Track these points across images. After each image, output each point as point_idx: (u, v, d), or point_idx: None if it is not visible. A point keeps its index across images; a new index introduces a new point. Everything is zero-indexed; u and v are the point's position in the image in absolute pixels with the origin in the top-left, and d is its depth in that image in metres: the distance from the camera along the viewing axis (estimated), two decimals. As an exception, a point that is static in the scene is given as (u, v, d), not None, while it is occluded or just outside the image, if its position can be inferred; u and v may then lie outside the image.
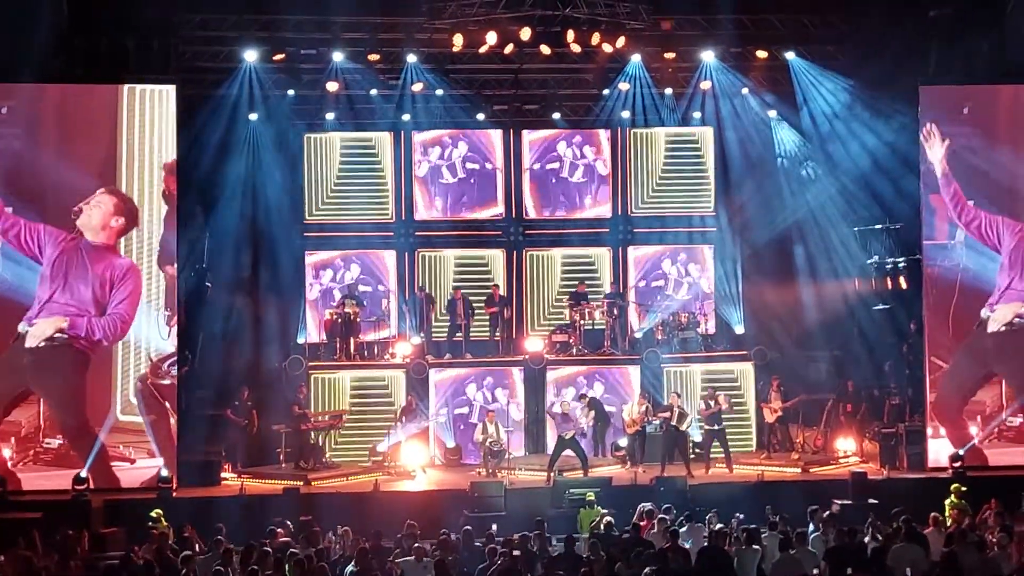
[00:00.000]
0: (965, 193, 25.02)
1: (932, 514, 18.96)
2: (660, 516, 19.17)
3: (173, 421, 24.48)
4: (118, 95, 24.54)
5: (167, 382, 24.53)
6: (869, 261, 27.92)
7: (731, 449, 25.79)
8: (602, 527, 19.40)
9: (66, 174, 24.23)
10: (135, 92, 24.59)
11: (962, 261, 25.21)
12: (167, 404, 24.49)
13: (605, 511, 20.72)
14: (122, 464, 24.21)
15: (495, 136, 29.62)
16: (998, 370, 25.20)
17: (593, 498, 21.65)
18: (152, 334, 24.59)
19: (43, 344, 24.03)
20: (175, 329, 24.65)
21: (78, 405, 24.16)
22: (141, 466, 24.30)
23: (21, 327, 23.99)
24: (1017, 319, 24.97)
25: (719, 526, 18.73)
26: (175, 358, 24.65)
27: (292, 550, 17.18)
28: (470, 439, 26.66)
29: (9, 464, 23.93)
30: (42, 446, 24.32)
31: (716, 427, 25.70)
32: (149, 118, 24.64)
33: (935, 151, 24.98)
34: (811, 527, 18.47)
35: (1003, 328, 24.98)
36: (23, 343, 23.99)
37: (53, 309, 24.11)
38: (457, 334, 28.35)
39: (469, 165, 29.62)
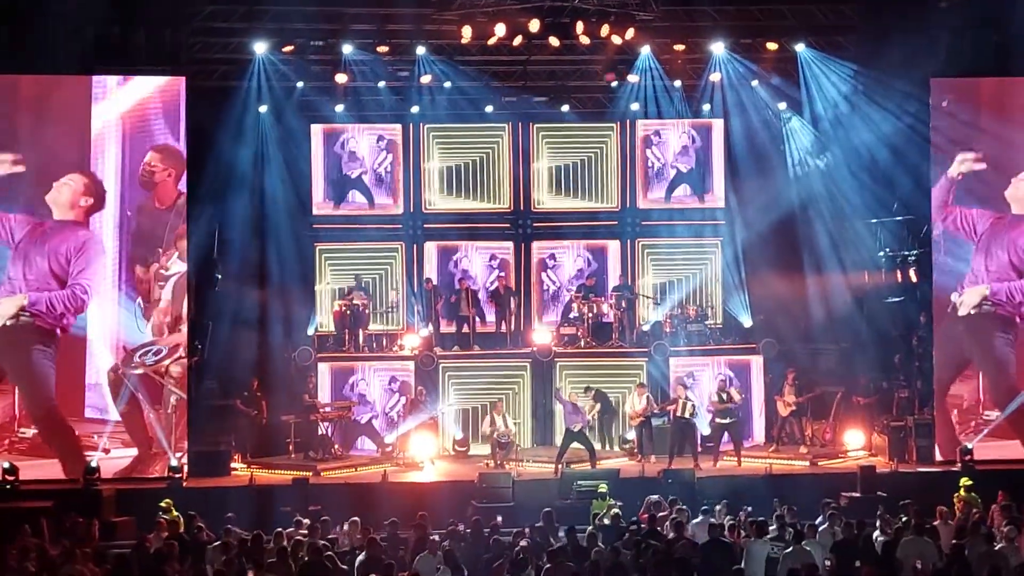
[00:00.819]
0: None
1: (939, 507, 19.00)
2: (667, 508, 19.19)
3: (148, 412, 24.49)
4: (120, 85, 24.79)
5: (139, 371, 24.54)
6: (879, 253, 27.88)
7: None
8: (607, 519, 19.42)
9: (51, 161, 24.54)
10: (145, 82, 24.76)
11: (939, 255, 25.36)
12: (139, 395, 24.50)
13: (613, 503, 20.73)
14: (94, 454, 24.15)
15: (504, 128, 29.56)
16: (969, 355, 25.32)
17: (606, 489, 21.62)
18: (128, 323, 24.68)
19: (8, 323, 24.12)
20: (151, 320, 24.74)
21: (46, 388, 24.18)
22: (116, 455, 24.35)
23: None
24: (985, 303, 25.04)
25: (728, 519, 18.72)
26: (151, 348, 24.64)
27: (299, 538, 17.22)
28: (478, 431, 26.68)
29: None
30: (17, 435, 24.38)
31: (727, 420, 25.67)
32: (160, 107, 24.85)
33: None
34: (820, 519, 18.47)
35: (972, 312, 25.09)
36: None
37: (14, 287, 24.22)
38: (464, 326, 28.36)
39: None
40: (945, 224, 25.29)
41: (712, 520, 18.41)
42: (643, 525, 18.38)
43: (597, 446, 26.24)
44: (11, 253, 24.19)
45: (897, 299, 27.38)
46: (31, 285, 24.20)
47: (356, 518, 18.86)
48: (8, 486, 23.03)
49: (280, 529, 17.87)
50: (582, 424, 25.27)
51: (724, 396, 25.68)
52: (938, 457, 24.86)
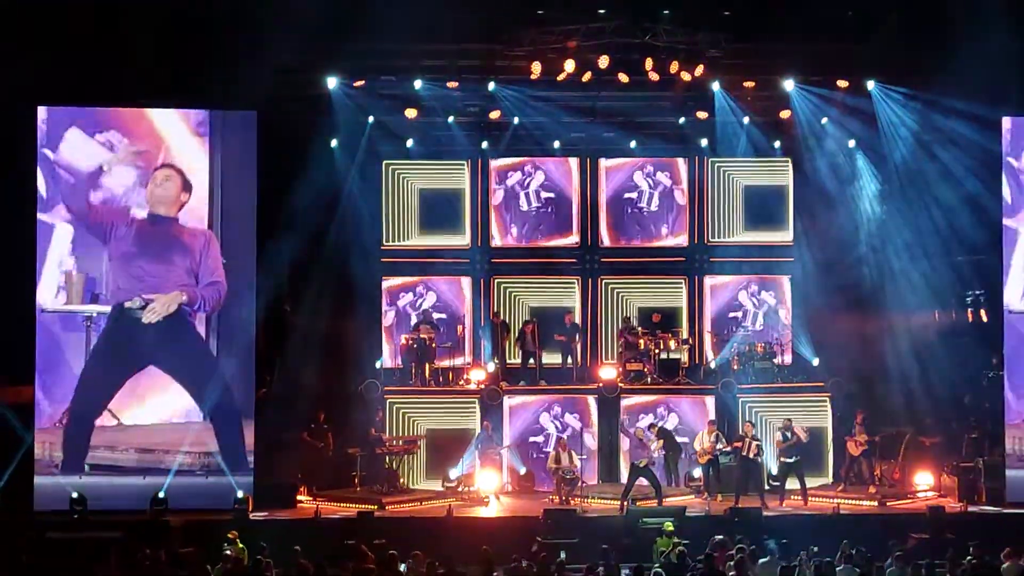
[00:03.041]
0: None
1: (1007, 548, 18.77)
2: (737, 547, 19.04)
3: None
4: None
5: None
6: (949, 294, 27.65)
7: (807, 481, 25.61)
8: (673, 557, 19.31)
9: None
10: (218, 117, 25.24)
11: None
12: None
13: (678, 541, 20.61)
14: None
15: (572, 164, 29.66)
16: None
17: (672, 528, 21.49)
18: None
19: (163, 320, 24.81)
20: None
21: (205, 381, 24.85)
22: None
23: (131, 303, 24.68)
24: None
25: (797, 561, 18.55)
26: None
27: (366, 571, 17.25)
28: (543, 466, 26.64)
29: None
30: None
31: (792, 459, 25.49)
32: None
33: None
34: (889, 560, 18.29)
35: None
36: (131, 319, 24.66)
37: (161, 285, 24.83)
38: (530, 361, 28.37)
39: (544, 194, 29.68)
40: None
41: (783, 562, 18.23)
42: (714, 565, 18.29)
43: (663, 484, 26.14)
44: (131, 249, 24.86)
45: (966, 339, 27.13)
46: (179, 283, 24.91)
47: (418, 552, 18.84)
48: (76, 516, 23.23)
49: (345, 562, 17.91)
50: (647, 459, 25.18)
51: (789, 435, 25.50)
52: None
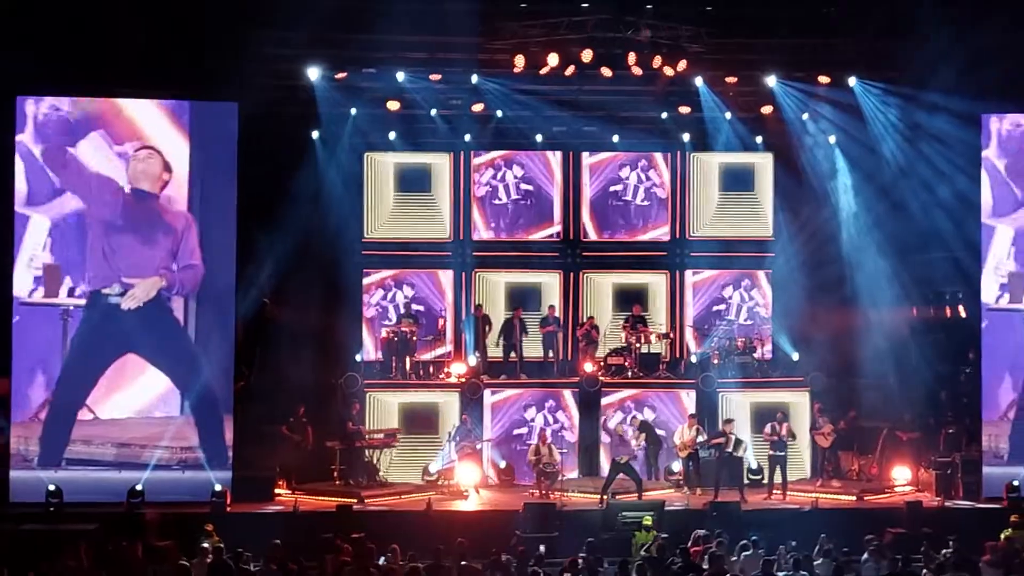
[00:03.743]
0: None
1: (988, 543, 18.83)
2: (716, 542, 19.08)
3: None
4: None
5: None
6: (927, 289, 27.73)
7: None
8: (654, 550, 19.33)
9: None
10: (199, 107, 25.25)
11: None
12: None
13: (659, 535, 20.62)
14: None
15: (553, 158, 29.67)
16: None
17: (650, 522, 21.52)
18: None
19: (143, 306, 24.79)
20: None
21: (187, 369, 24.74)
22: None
23: (109, 290, 24.62)
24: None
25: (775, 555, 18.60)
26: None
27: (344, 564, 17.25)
28: (524, 460, 26.66)
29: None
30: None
31: (779, 453, 25.55)
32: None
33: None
34: (865, 555, 18.34)
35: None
36: (109, 307, 24.57)
37: (141, 267, 24.83)
38: (512, 354, 28.37)
39: (524, 186, 29.68)
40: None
41: (760, 555, 18.27)
42: (692, 560, 18.35)
43: (643, 477, 26.20)
44: (119, 222, 24.77)
45: (943, 334, 27.21)
46: (159, 269, 24.85)
47: (395, 546, 18.82)
48: (52, 508, 23.17)
49: (323, 556, 17.90)
50: (628, 455, 25.23)
51: (776, 428, 25.58)
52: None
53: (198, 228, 25.11)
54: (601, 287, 29.74)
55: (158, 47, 24.60)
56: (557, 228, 29.68)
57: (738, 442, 25.49)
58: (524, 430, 27.89)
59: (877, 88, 26.70)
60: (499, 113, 28.00)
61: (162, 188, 25.08)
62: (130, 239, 24.83)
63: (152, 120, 25.16)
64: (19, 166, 24.66)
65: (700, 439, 25.67)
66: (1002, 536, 19.89)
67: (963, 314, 26.72)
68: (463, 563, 17.39)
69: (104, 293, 24.62)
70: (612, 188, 29.84)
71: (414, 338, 27.92)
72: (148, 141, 25.11)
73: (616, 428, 25.89)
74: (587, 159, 29.76)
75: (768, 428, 25.86)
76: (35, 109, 24.85)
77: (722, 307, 29.67)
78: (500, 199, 29.69)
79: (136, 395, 24.99)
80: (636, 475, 25.19)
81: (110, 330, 24.67)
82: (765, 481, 25.80)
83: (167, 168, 25.11)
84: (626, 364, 28.13)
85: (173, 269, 24.86)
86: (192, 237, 25.03)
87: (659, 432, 27.13)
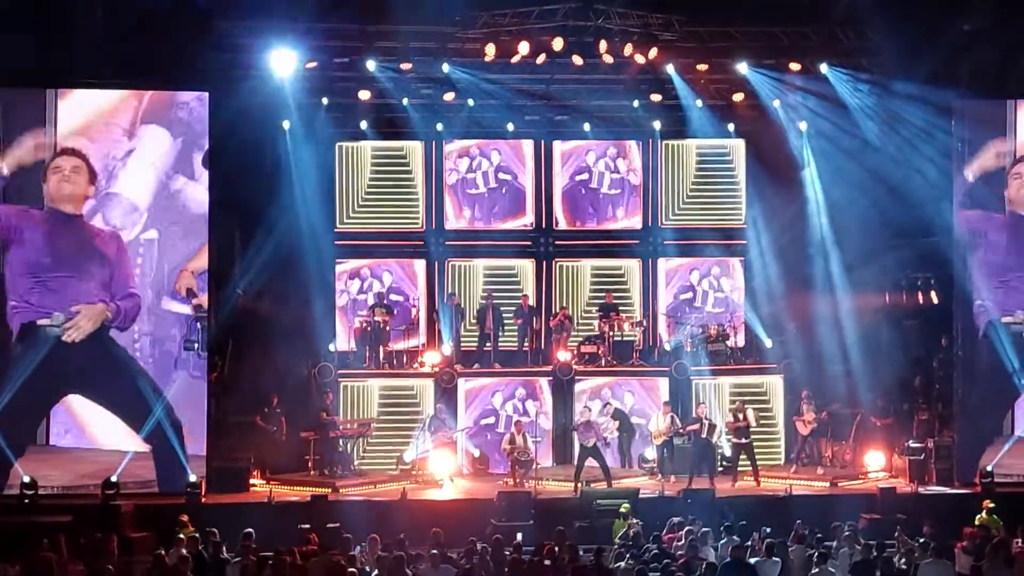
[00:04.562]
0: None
1: (966, 528, 18.93)
2: (687, 528, 19.13)
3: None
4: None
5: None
6: (900, 275, 27.83)
7: (759, 462, 25.80)
8: (628, 538, 19.38)
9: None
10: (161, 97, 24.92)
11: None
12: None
13: (635, 522, 20.66)
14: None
15: (526, 146, 29.66)
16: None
17: (627, 509, 21.52)
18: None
19: (86, 339, 23.97)
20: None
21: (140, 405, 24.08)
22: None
23: (48, 320, 23.75)
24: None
25: (750, 542, 18.66)
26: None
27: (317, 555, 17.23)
28: (497, 449, 26.68)
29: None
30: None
31: (744, 440, 25.68)
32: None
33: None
34: (836, 543, 18.41)
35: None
36: (46, 339, 23.76)
37: (79, 297, 23.89)
38: (486, 344, 28.37)
39: (501, 176, 29.67)
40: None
41: (736, 541, 18.33)
42: (663, 545, 18.41)
43: (616, 465, 26.27)
44: (45, 260, 23.84)
45: (916, 321, 27.33)
46: (102, 296, 24.06)
47: (375, 536, 18.79)
48: (27, 500, 23.06)
49: (298, 546, 17.88)
50: (595, 439, 25.24)
51: (740, 416, 25.69)
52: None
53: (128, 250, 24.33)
54: (574, 275, 29.72)
55: (124, 37, 24.53)
56: (530, 217, 29.65)
57: (712, 426, 25.56)
58: (492, 419, 27.89)
59: (847, 75, 26.73)
60: (470, 102, 27.95)
61: (84, 204, 24.23)
62: (61, 272, 23.82)
63: (117, 112, 24.79)
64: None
65: (677, 427, 25.66)
66: (976, 521, 20.01)
67: (936, 300, 26.81)
68: (434, 552, 17.34)
69: (42, 324, 23.75)
70: (581, 177, 29.81)
71: (387, 328, 27.87)
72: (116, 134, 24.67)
73: (582, 414, 25.81)
74: (558, 147, 29.71)
75: (731, 417, 25.96)
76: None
77: (689, 295, 29.68)
78: (477, 188, 29.63)
79: (89, 427, 24.42)
80: (604, 462, 25.21)
81: (51, 367, 23.58)
82: (731, 467, 25.88)
83: (92, 178, 24.25)
84: (600, 352, 28.15)
85: (111, 298, 24.18)
86: (126, 260, 24.18)
87: (635, 421, 27.15)
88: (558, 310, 28.93)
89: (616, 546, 18.71)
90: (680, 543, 18.44)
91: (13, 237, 23.89)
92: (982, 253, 25.41)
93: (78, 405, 24.24)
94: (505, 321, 28.59)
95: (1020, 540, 18.62)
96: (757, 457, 25.87)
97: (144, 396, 24.16)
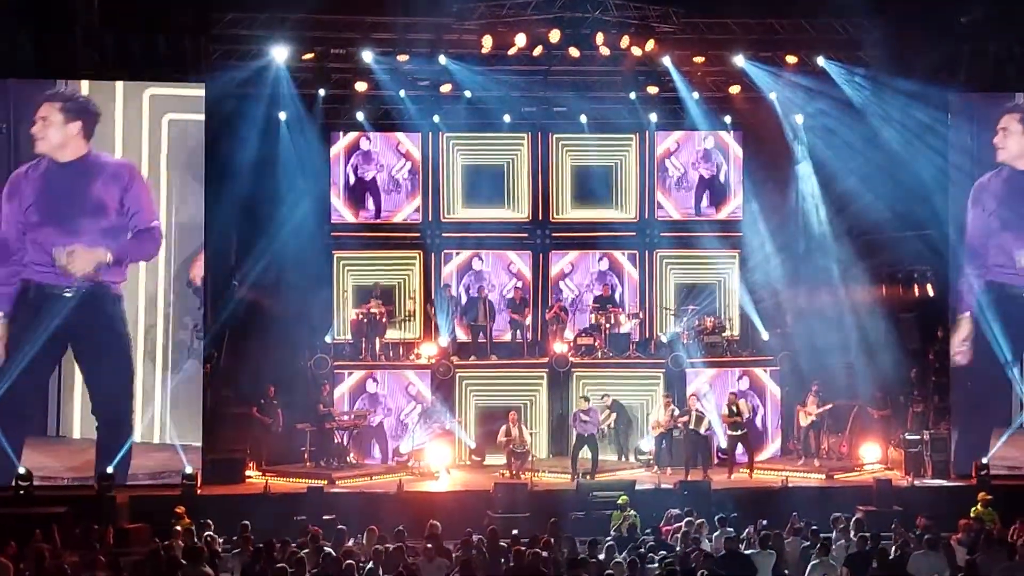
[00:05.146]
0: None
1: (961, 520, 18.96)
2: (687, 520, 19.14)
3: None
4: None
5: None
6: (896, 268, 27.83)
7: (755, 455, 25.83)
8: (624, 530, 19.39)
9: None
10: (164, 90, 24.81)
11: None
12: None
13: (633, 513, 20.65)
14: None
15: (523, 138, 29.57)
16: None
17: (625, 501, 21.48)
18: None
19: (81, 286, 23.78)
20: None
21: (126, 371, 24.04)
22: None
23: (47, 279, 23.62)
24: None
25: (745, 532, 18.68)
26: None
27: (317, 547, 17.20)
28: (494, 440, 26.67)
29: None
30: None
31: (738, 432, 25.69)
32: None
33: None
34: (834, 534, 18.43)
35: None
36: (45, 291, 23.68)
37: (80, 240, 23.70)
38: (481, 336, 28.36)
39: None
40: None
41: (730, 533, 18.35)
42: (661, 537, 18.43)
43: (613, 457, 26.30)
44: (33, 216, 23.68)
45: (912, 313, 27.34)
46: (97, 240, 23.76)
47: (373, 527, 18.78)
48: (22, 491, 23.04)
49: (293, 538, 17.88)
50: (593, 429, 25.25)
51: (734, 409, 25.69)
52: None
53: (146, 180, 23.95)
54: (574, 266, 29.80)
55: (121, 28, 24.51)
56: (526, 208, 29.66)
57: (699, 417, 25.53)
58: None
59: (844, 67, 26.73)
60: (468, 94, 27.94)
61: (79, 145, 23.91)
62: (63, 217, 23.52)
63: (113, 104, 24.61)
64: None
65: (683, 417, 25.60)
66: (972, 514, 20.03)
67: (931, 293, 26.83)
68: (429, 546, 17.34)
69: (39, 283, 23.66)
70: (579, 169, 29.80)
71: (383, 319, 27.85)
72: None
73: (579, 403, 25.81)
74: (555, 138, 29.69)
75: (725, 410, 25.96)
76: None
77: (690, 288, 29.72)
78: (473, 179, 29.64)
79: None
80: (595, 451, 25.19)
81: (50, 320, 23.47)
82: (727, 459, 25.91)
83: (68, 117, 23.88)
84: (596, 344, 28.14)
85: (119, 238, 23.90)
86: (139, 196, 23.79)
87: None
88: (553, 303, 28.91)
89: (611, 538, 18.68)
90: (677, 535, 18.47)
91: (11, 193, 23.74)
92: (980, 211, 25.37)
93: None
94: (499, 314, 28.59)
95: (1017, 531, 18.65)
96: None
97: (120, 380, 24.10)
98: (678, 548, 17.64)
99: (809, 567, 16.49)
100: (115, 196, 24.06)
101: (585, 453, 25.15)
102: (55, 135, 23.97)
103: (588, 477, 24.64)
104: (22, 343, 23.54)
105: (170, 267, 24.75)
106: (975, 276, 25.03)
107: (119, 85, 24.68)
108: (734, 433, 25.72)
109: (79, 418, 24.33)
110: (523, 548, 16.87)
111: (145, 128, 24.73)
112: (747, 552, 17.14)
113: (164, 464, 24.22)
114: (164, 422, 24.51)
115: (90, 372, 24.16)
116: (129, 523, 21.72)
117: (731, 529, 18.68)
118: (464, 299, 29.01)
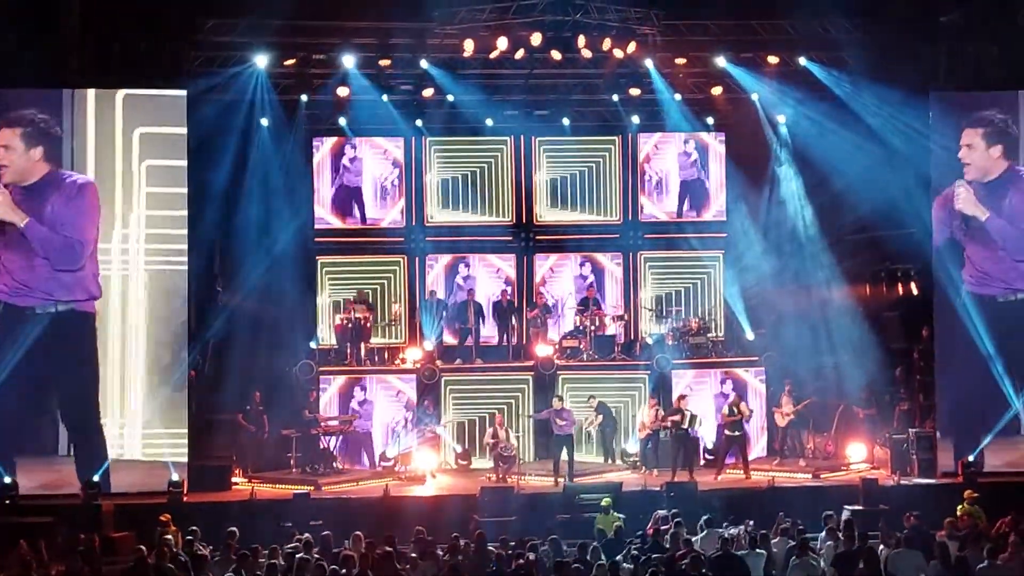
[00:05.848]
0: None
1: (947, 519, 18.99)
2: (674, 522, 19.14)
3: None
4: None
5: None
6: (879, 267, 27.87)
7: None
8: (610, 533, 19.37)
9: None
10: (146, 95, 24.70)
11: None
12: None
13: (618, 516, 20.66)
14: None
15: (506, 142, 29.56)
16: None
17: (609, 503, 21.47)
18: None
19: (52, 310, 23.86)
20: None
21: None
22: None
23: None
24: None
25: (734, 531, 18.68)
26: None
27: (305, 556, 17.16)
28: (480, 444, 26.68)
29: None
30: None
31: (736, 433, 25.66)
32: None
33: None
34: (823, 533, 18.45)
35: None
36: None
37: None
38: (467, 339, 28.34)
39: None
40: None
41: (723, 533, 18.33)
42: (648, 535, 18.43)
43: (599, 459, 26.30)
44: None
45: (896, 312, 27.38)
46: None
47: (359, 532, 18.75)
48: (7, 501, 22.95)
49: (279, 545, 17.84)
50: (569, 430, 25.22)
51: (734, 410, 25.68)
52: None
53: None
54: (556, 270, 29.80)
55: (102, 36, 24.43)
56: (510, 211, 29.66)
57: (692, 418, 25.53)
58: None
59: (826, 68, 26.77)
60: (450, 98, 27.93)
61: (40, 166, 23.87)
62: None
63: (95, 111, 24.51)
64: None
65: (673, 418, 25.58)
66: (958, 511, 20.06)
67: (916, 291, 26.87)
68: (414, 554, 17.33)
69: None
70: (562, 172, 29.80)
71: (368, 324, 27.83)
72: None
73: (553, 402, 25.77)
74: (538, 141, 29.69)
75: (725, 410, 25.97)
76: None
77: (675, 289, 29.72)
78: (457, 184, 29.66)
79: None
80: (571, 452, 25.13)
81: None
82: (716, 460, 25.90)
83: (28, 143, 23.79)
84: (581, 347, 28.14)
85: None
86: (83, 211, 23.79)
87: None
88: (535, 302, 28.93)
89: (597, 540, 18.66)
90: (666, 537, 18.45)
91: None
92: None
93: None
94: (486, 318, 28.59)
95: (1005, 529, 18.68)
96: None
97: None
98: (667, 550, 17.61)
99: (790, 567, 16.51)
100: (61, 210, 23.96)
101: (565, 455, 25.12)
102: (19, 162, 23.97)
103: (568, 478, 24.61)
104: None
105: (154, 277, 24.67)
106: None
107: (91, 93, 24.43)
108: (732, 434, 25.66)
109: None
110: (506, 552, 16.92)
111: (119, 138, 24.54)
112: (737, 553, 17.15)
113: (145, 481, 24.13)
114: (149, 433, 24.44)
115: (58, 386, 24.15)
116: (115, 531, 21.64)
117: (732, 529, 18.71)
118: (452, 302, 28.96)
